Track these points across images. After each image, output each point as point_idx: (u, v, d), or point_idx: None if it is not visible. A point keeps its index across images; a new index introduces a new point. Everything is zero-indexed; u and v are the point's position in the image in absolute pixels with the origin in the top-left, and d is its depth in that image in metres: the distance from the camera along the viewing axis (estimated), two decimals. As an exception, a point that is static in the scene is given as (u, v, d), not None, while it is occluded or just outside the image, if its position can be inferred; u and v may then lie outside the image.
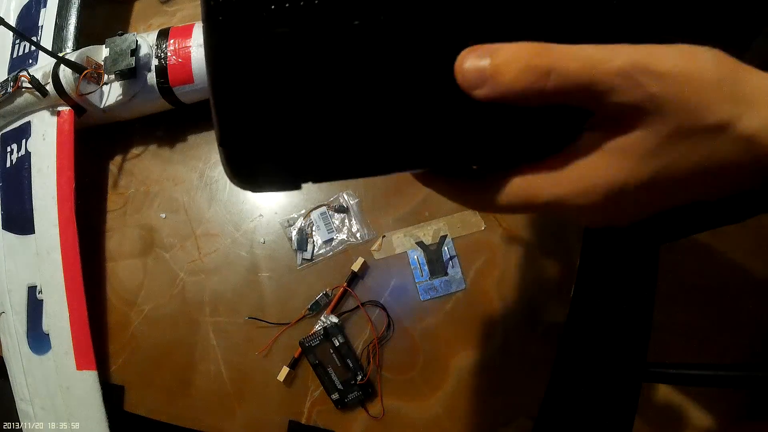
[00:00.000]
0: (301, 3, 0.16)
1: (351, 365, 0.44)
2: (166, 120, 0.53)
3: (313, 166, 0.19)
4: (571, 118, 0.17)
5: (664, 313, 0.41)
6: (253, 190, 0.20)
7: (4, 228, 0.51)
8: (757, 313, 0.41)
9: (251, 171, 0.19)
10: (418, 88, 0.17)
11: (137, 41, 0.48)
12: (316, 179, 0.19)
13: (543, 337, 0.42)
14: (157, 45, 0.48)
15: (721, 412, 0.40)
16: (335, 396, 0.44)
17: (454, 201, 0.21)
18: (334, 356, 0.44)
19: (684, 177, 0.16)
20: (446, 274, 0.45)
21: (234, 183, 0.19)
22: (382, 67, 0.17)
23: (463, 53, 0.16)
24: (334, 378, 0.44)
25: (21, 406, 0.48)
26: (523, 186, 0.17)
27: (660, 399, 0.39)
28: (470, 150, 0.18)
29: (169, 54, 0.48)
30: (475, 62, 0.16)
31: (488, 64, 0.15)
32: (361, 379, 0.44)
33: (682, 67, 0.15)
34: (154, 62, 0.48)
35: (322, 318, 0.46)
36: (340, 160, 0.19)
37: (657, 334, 0.39)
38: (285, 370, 0.45)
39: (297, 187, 0.19)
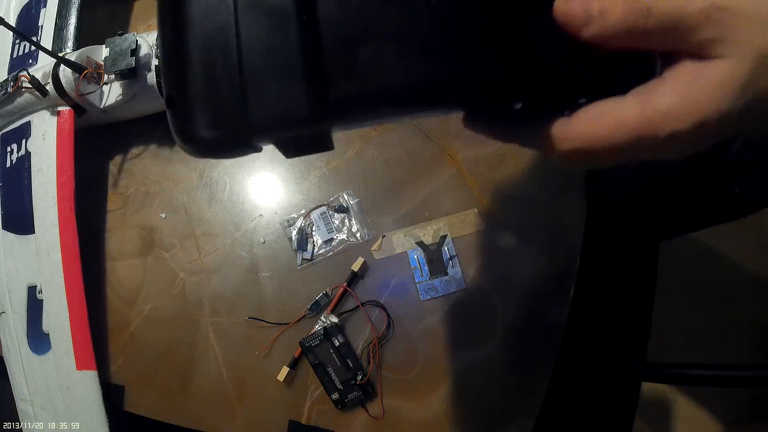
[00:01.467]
0: None
1: (351, 365, 0.44)
2: (166, 120, 0.53)
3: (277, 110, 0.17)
4: (646, 57, 0.18)
5: (664, 313, 0.41)
6: (204, 154, 0.18)
7: (4, 228, 0.51)
8: (757, 313, 0.41)
9: (206, 127, 0.17)
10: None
11: (137, 41, 0.48)
12: (279, 130, 0.17)
13: (543, 337, 0.42)
14: (157, 45, 0.48)
15: (721, 412, 0.40)
16: (335, 396, 0.44)
17: (512, 142, 0.20)
18: (334, 356, 0.44)
19: None
20: (446, 274, 0.45)
21: (186, 148, 0.18)
22: None
23: None
24: (334, 378, 0.44)
25: (21, 406, 0.48)
26: (630, 119, 0.18)
27: (660, 399, 0.39)
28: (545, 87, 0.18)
29: (169, 54, 0.48)
30: (581, 3, 0.17)
31: (594, 5, 0.17)
32: (361, 379, 0.44)
33: (751, 4, 0.16)
34: (154, 62, 0.48)
35: (322, 318, 0.46)
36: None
37: (657, 334, 0.39)
38: (285, 370, 0.45)
39: (256, 149, 0.17)
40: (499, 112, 0.20)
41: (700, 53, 0.17)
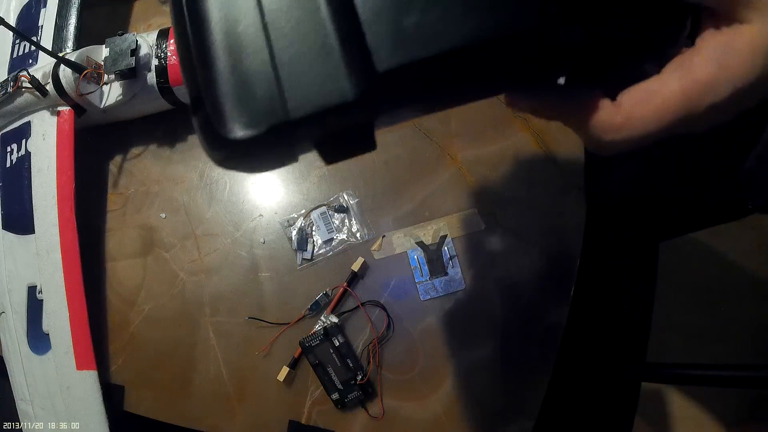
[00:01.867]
0: None
1: (351, 365, 0.44)
2: (166, 120, 0.53)
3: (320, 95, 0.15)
4: (677, 21, 0.17)
5: (664, 313, 0.41)
6: (233, 166, 0.17)
7: (4, 228, 0.51)
8: (757, 313, 0.41)
9: (238, 131, 0.15)
10: None
11: (137, 41, 0.48)
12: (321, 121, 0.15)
13: (543, 337, 0.42)
14: (157, 45, 0.48)
15: (721, 412, 0.40)
16: (335, 396, 0.44)
17: (558, 120, 0.20)
18: (334, 356, 0.44)
19: None
20: (446, 274, 0.45)
21: (215, 158, 0.16)
22: None
23: None
24: (334, 378, 0.44)
25: (21, 406, 0.48)
26: (674, 95, 0.17)
27: (660, 399, 0.39)
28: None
29: (169, 54, 0.48)
30: None
31: None
32: (361, 379, 0.44)
33: None
34: (154, 62, 0.48)
35: (322, 318, 0.46)
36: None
37: (657, 334, 0.39)
38: (285, 370, 0.45)
39: (293, 159, 0.16)
40: (542, 88, 0.19)
41: (726, 11, 0.17)
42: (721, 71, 0.17)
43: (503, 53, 0.16)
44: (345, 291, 0.46)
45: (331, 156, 0.18)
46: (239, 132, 0.15)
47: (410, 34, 0.15)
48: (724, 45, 0.17)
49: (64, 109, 0.49)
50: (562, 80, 0.18)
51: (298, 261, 0.48)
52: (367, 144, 0.17)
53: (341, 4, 0.15)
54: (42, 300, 0.48)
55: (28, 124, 0.51)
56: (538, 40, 0.16)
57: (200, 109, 0.15)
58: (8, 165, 0.52)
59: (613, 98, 0.19)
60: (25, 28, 0.55)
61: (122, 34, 0.48)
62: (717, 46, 0.17)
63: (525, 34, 0.16)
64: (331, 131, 0.16)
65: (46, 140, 0.50)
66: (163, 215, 0.53)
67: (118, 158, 0.56)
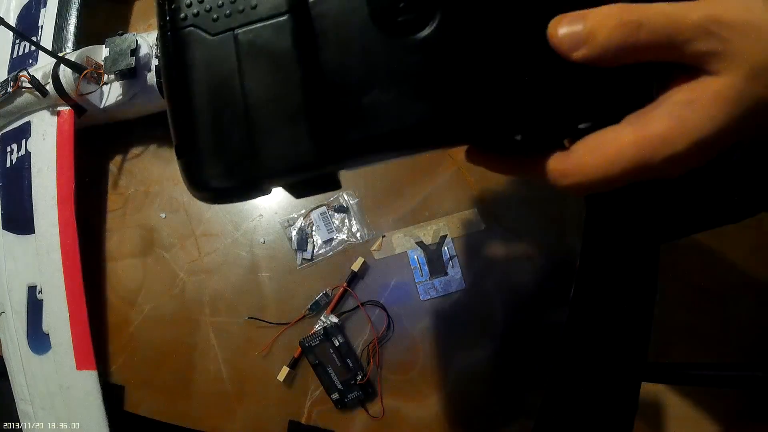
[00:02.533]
0: (240, 7, 0.17)
1: (351, 365, 0.44)
2: (166, 120, 0.53)
3: (282, 160, 0.18)
4: (643, 79, 0.18)
5: (664, 313, 0.41)
6: (216, 200, 0.19)
7: (4, 228, 0.51)
8: (757, 313, 0.41)
9: (216, 177, 0.18)
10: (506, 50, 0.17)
11: (137, 41, 0.48)
12: (287, 175, 0.18)
13: (543, 337, 0.42)
14: (157, 45, 0.48)
15: (721, 412, 0.40)
16: (335, 396, 0.44)
17: (514, 175, 0.21)
18: (334, 356, 0.44)
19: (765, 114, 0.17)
20: (446, 274, 0.45)
21: (197, 195, 0.18)
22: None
23: (555, 21, 0.17)
24: (334, 378, 0.44)
25: (21, 406, 0.48)
26: (628, 149, 0.18)
27: (660, 399, 0.39)
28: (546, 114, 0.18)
29: (169, 54, 0.48)
30: (569, 27, 0.17)
31: (582, 27, 0.17)
32: (361, 379, 0.44)
33: (745, 17, 0.16)
34: (154, 62, 0.48)
35: (322, 318, 0.46)
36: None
37: (657, 334, 0.39)
38: (285, 370, 0.45)
39: (262, 189, 0.18)
40: (500, 145, 0.20)
41: (695, 65, 0.17)
42: (678, 125, 0.17)
43: (450, 133, 0.18)
44: (345, 291, 0.46)
45: (298, 194, 0.20)
46: (215, 182, 0.18)
47: (368, 110, 0.17)
48: (686, 99, 0.17)
49: (64, 109, 0.49)
50: (518, 137, 0.19)
51: (298, 261, 0.48)
52: (332, 186, 0.19)
53: (310, 76, 0.17)
54: (42, 300, 0.48)
55: (28, 124, 0.51)
56: (491, 126, 0.18)
57: (183, 156, 0.18)
58: (8, 165, 0.52)
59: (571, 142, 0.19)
60: (25, 28, 0.55)
61: (122, 34, 0.48)
62: (678, 100, 0.17)
63: (472, 123, 0.18)
64: (297, 181, 0.18)
65: (46, 140, 0.50)
66: (163, 215, 0.53)
67: (118, 158, 0.56)
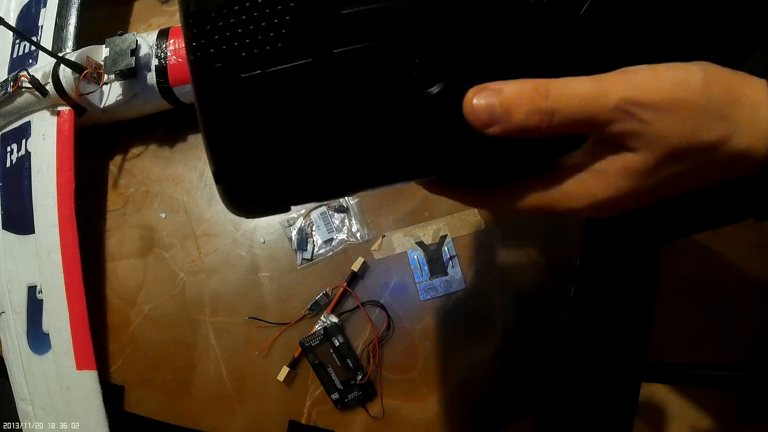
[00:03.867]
0: (267, 48, 0.18)
1: (351, 365, 0.44)
2: (166, 120, 0.53)
3: (299, 192, 0.20)
4: (569, 142, 0.19)
5: (664, 313, 0.41)
6: (249, 217, 0.22)
7: (4, 228, 0.51)
8: (757, 313, 0.41)
9: (248, 202, 0.21)
10: (386, 108, 0.19)
11: (137, 41, 0.48)
12: (304, 201, 0.21)
13: (543, 337, 0.42)
14: (157, 45, 0.48)
15: (721, 412, 0.40)
16: (335, 396, 0.44)
17: (468, 206, 0.23)
18: (334, 356, 0.44)
19: (679, 184, 0.18)
20: (446, 274, 0.45)
21: (232, 212, 0.21)
22: (352, 99, 0.18)
23: (470, 94, 0.18)
24: (334, 378, 0.44)
25: (21, 406, 0.48)
26: (534, 198, 0.20)
27: (660, 399, 0.39)
28: (475, 167, 0.20)
29: (169, 54, 0.48)
30: (484, 103, 0.17)
31: (498, 105, 0.17)
32: (361, 379, 0.44)
33: (671, 95, 0.16)
34: (154, 62, 0.48)
35: (322, 318, 0.46)
36: (322, 182, 0.20)
37: (657, 334, 0.39)
38: (285, 370, 0.45)
39: (287, 209, 0.21)
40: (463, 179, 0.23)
41: (614, 142, 0.17)
42: (579, 187, 0.19)
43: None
44: (345, 291, 0.46)
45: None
46: (254, 205, 0.21)
47: (344, 171, 0.20)
48: (597, 167, 0.18)
49: (64, 109, 0.49)
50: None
51: (298, 261, 0.48)
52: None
53: (334, 117, 0.19)
54: (42, 300, 0.47)
55: (28, 124, 0.51)
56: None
57: (222, 182, 0.20)
58: (8, 165, 0.52)
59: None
60: (25, 28, 0.55)
61: (122, 34, 0.48)
62: (590, 164, 0.18)
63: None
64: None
65: (46, 140, 0.50)
66: (163, 215, 0.53)
67: (118, 158, 0.56)
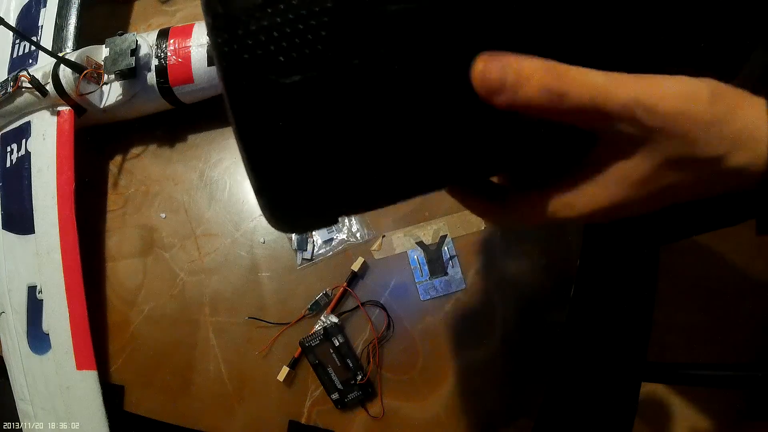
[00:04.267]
0: (307, 51, 0.17)
1: (351, 365, 0.44)
2: (166, 120, 0.53)
3: (347, 202, 0.20)
4: (578, 138, 0.19)
5: (664, 313, 0.41)
6: (294, 232, 0.22)
7: (4, 228, 0.51)
8: (757, 313, 0.41)
9: (290, 215, 0.20)
10: (435, 109, 0.18)
11: (137, 41, 0.48)
12: (351, 212, 0.21)
13: (543, 337, 0.42)
14: (157, 45, 0.48)
15: (721, 412, 0.40)
16: (335, 396, 0.44)
17: (480, 217, 0.24)
18: (334, 356, 0.44)
19: (678, 195, 0.18)
20: (446, 274, 0.45)
21: (275, 227, 0.21)
22: (397, 99, 0.17)
23: (481, 59, 0.17)
24: (334, 378, 0.44)
25: (21, 406, 0.48)
26: (538, 209, 0.20)
27: (660, 399, 0.39)
28: (491, 162, 0.20)
29: (169, 54, 0.48)
30: (496, 71, 0.16)
31: (510, 74, 0.16)
32: (361, 379, 0.44)
33: (678, 106, 0.16)
34: (154, 62, 0.48)
35: (322, 318, 0.46)
36: (372, 192, 0.20)
37: (657, 334, 0.39)
38: (285, 370, 0.45)
39: (334, 222, 0.21)
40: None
41: (618, 142, 0.18)
42: (577, 195, 0.19)
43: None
44: (345, 291, 0.46)
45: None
46: (297, 221, 0.21)
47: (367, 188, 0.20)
48: (594, 176, 0.19)
49: (64, 109, 0.49)
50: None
51: (298, 261, 0.48)
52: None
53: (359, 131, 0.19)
54: (42, 300, 0.48)
55: (28, 124, 0.51)
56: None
57: (264, 196, 0.19)
58: (8, 165, 0.52)
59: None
60: (25, 28, 0.55)
61: (122, 34, 0.48)
62: (587, 172, 0.19)
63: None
64: None
65: (46, 140, 0.50)
66: (163, 215, 0.53)
67: (118, 158, 0.56)
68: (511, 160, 0.20)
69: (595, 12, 0.17)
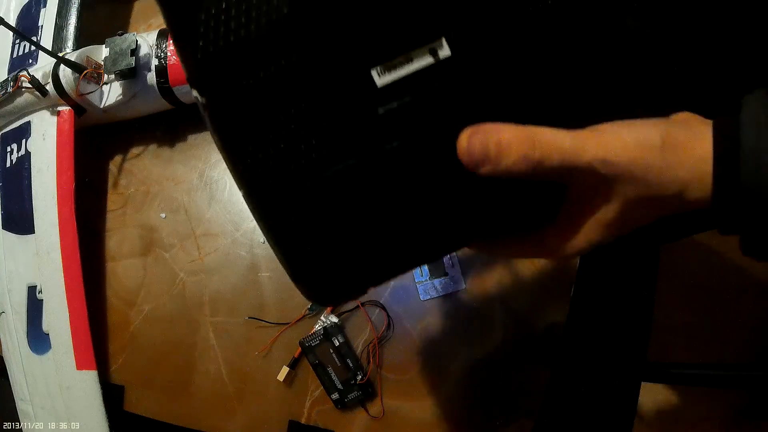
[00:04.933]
0: (314, 156, 0.18)
1: (351, 365, 0.44)
2: (166, 120, 0.53)
3: (375, 278, 0.23)
4: (554, 192, 0.21)
5: (664, 313, 0.41)
6: (332, 305, 0.26)
7: (4, 228, 0.51)
8: (757, 313, 0.41)
9: (327, 294, 0.23)
10: (436, 183, 0.20)
11: (137, 41, 0.48)
12: (379, 284, 0.23)
13: (543, 337, 0.42)
14: (157, 45, 0.48)
15: (721, 412, 0.40)
16: (335, 396, 0.44)
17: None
18: (334, 356, 0.44)
19: (648, 220, 0.21)
20: (446, 274, 0.45)
21: (316, 303, 0.25)
22: (413, 182, 0.20)
23: (464, 135, 0.19)
24: (334, 378, 0.44)
25: (21, 406, 0.48)
26: (526, 252, 0.25)
27: (660, 399, 0.39)
28: (488, 222, 0.23)
29: (169, 54, 0.48)
30: (478, 145, 0.19)
31: (491, 147, 0.19)
32: (361, 379, 0.44)
33: (633, 157, 0.19)
34: (154, 62, 0.48)
35: (322, 318, 0.46)
36: (392, 266, 0.23)
37: (657, 334, 0.39)
38: (285, 370, 0.45)
39: (364, 293, 0.23)
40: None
41: (588, 192, 0.20)
42: (563, 243, 0.22)
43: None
44: (345, 291, 0.46)
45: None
46: (332, 298, 0.24)
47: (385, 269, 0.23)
48: (576, 220, 0.21)
49: (64, 109, 0.49)
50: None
51: (298, 261, 0.48)
52: None
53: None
54: (42, 300, 0.48)
55: (28, 124, 0.51)
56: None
57: (300, 283, 0.21)
58: (8, 165, 0.52)
59: None
60: (25, 28, 0.55)
61: (122, 34, 0.48)
62: (569, 219, 0.22)
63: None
64: None
65: (46, 140, 0.50)
66: (163, 215, 0.53)
67: (118, 158, 0.56)
68: (500, 216, 0.23)
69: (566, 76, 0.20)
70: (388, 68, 0.18)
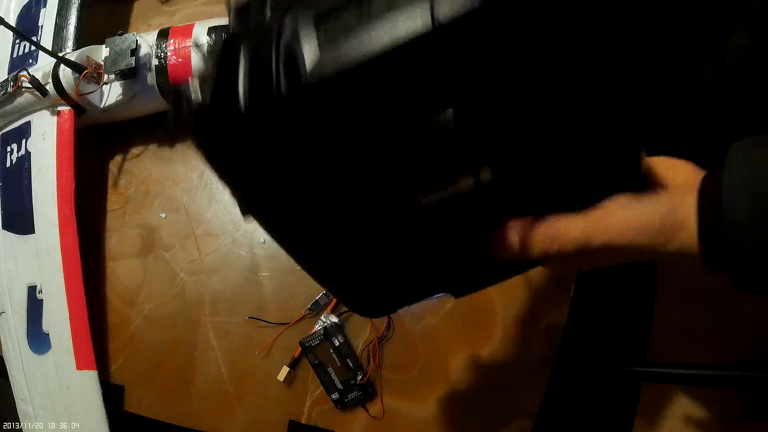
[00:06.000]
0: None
1: (351, 365, 0.44)
2: (166, 120, 0.53)
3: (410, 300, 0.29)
4: None
5: (664, 313, 0.41)
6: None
7: (4, 228, 0.51)
8: (757, 313, 0.41)
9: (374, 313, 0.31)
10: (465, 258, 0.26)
11: (137, 41, 0.48)
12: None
13: (543, 337, 0.42)
14: (157, 45, 0.48)
15: (721, 412, 0.40)
16: (335, 396, 0.44)
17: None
18: (334, 356, 0.44)
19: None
20: (446, 274, 0.45)
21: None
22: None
23: (496, 235, 0.23)
24: (334, 378, 0.44)
25: (21, 406, 0.48)
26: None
27: (660, 399, 0.39)
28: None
29: (169, 54, 0.48)
30: (510, 245, 0.23)
31: (517, 245, 0.23)
32: (361, 379, 0.44)
33: (633, 238, 0.22)
34: (154, 62, 0.48)
35: (322, 318, 0.46)
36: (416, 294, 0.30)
37: (657, 334, 0.39)
38: (285, 370, 0.45)
39: (395, 311, 0.31)
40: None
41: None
42: (596, 230, 0.23)
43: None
44: (345, 291, 0.46)
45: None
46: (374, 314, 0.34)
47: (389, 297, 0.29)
48: (605, 212, 0.23)
49: (64, 109, 0.49)
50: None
51: (298, 261, 0.48)
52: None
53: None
54: (42, 300, 0.48)
55: (28, 124, 0.51)
56: None
57: (350, 307, 0.29)
58: (8, 165, 0.52)
59: None
60: (25, 28, 0.55)
61: (122, 34, 0.48)
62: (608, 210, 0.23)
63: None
64: None
65: (46, 140, 0.50)
66: (163, 215, 0.53)
67: (118, 158, 0.56)
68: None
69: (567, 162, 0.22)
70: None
